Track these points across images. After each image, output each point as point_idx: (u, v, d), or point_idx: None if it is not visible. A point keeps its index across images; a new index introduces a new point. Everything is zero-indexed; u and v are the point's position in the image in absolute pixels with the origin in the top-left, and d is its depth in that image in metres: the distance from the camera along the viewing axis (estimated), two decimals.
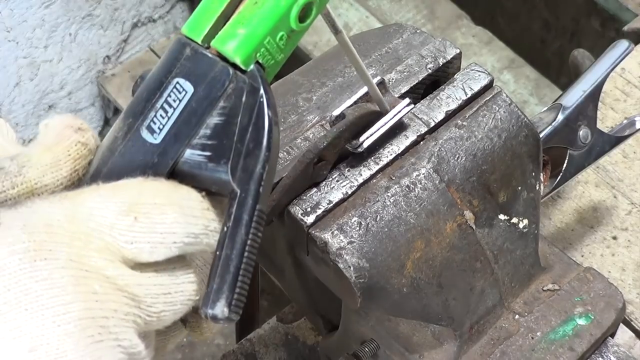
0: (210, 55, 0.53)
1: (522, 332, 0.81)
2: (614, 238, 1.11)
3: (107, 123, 2.25)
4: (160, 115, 0.54)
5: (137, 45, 2.21)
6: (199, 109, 0.53)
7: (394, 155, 0.75)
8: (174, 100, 0.53)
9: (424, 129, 0.77)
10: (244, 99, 0.53)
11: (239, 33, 0.53)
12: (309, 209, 0.72)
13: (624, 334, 1.02)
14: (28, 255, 0.48)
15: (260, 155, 0.52)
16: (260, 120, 0.52)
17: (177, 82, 0.54)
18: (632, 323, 1.04)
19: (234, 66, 0.53)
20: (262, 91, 0.53)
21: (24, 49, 1.93)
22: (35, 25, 1.93)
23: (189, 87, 0.53)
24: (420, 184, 0.74)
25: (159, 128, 0.54)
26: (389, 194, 0.73)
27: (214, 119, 0.54)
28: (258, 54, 0.53)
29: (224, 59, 0.53)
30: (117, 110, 2.21)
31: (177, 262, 0.53)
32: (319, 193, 0.73)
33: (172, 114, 0.53)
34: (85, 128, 0.55)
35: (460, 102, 0.78)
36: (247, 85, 0.53)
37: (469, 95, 0.78)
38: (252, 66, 0.53)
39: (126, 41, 2.18)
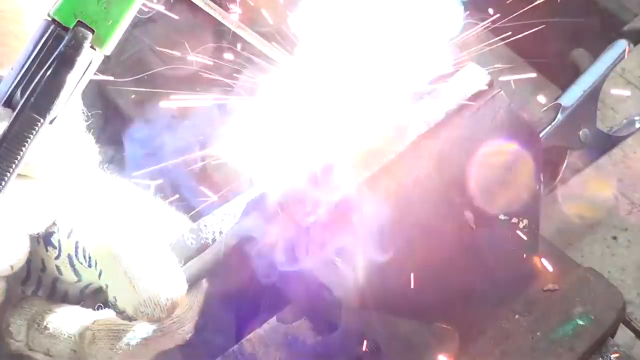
0: (45, 19, 0.63)
1: (522, 332, 0.81)
2: (614, 238, 1.11)
3: (107, 123, 2.25)
4: None
5: (137, 45, 2.21)
6: (22, 59, 0.64)
7: (394, 154, 0.75)
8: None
9: (424, 129, 0.76)
10: (59, 49, 0.62)
11: None
12: (308, 210, 0.72)
13: (624, 334, 1.01)
14: None
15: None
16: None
17: None
18: (632, 323, 1.03)
19: (59, 25, 0.62)
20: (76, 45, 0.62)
21: None
22: None
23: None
24: (421, 183, 0.74)
25: None
26: (389, 194, 0.73)
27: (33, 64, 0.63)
28: (83, 15, 0.62)
29: (54, 21, 0.62)
30: (117, 110, 2.20)
31: None
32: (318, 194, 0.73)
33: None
34: None
35: (460, 102, 0.78)
36: (66, 39, 0.62)
37: (469, 96, 0.78)
38: (74, 25, 0.62)
39: (126, 41, 2.17)
